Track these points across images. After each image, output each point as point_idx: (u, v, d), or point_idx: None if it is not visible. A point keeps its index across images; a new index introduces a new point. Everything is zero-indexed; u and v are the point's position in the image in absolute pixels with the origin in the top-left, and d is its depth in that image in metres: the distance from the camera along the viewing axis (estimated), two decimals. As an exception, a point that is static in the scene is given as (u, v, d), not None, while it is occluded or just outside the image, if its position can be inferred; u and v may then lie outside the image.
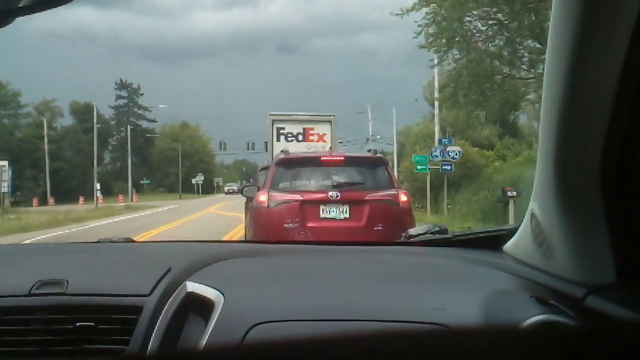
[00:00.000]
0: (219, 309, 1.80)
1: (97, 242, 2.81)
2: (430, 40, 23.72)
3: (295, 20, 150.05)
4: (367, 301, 1.85)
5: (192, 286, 1.96)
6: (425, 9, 23.09)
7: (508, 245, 2.20)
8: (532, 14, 21.65)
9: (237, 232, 20.30)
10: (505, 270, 2.04)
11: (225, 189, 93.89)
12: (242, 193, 12.27)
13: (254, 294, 1.94)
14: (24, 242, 17.23)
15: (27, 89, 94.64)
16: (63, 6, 1.27)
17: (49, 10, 1.28)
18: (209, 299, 1.87)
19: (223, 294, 1.85)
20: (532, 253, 1.91)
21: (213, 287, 1.91)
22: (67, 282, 1.97)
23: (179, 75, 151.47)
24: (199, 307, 1.88)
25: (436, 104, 35.09)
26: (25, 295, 1.92)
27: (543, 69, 1.55)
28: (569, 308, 1.58)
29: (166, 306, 1.89)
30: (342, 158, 10.21)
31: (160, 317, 1.86)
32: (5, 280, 2.07)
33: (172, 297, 1.92)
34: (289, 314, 1.79)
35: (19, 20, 1.27)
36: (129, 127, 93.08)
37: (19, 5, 1.24)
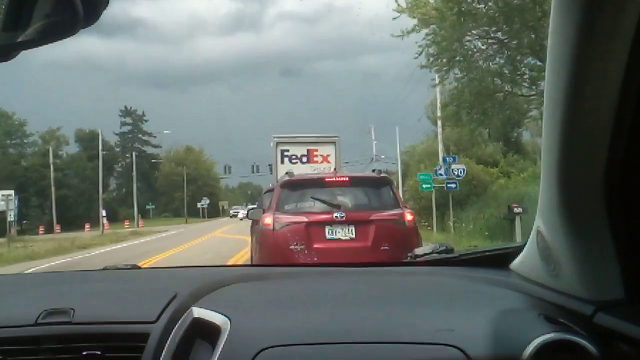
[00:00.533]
0: (226, 334, 1.79)
1: (103, 269, 2.80)
2: (431, 60, 23.82)
3: (297, 43, 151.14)
4: (375, 323, 1.84)
5: (198, 312, 1.96)
6: (425, 30, 23.22)
7: (515, 263, 2.20)
8: (532, 32, 21.73)
9: (243, 255, 20.25)
10: (513, 289, 2.03)
11: (231, 212, 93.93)
12: (247, 216, 12.27)
13: (260, 318, 1.93)
14: (29, 271, 17.24)
15: (33, 118, 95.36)
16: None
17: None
18: (216, 324, 1.86)
19: (230, 319, 1.85)
20: (540, 270, 1.91)
21: (219, 313, 1.90)
22: (74, 310, 1.96)
23: (183, 100, 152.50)
24: (206, 332, 1.87)
25: (439, 122, 35.20)
26: (32, 325, 1.92)
27: (544, 86, 1.56)
28: (578, 326, 1.57)
29: (173, 332, 1.88)
30: (347, 179, 10.20)
31: (167, 344, 1.85)
32: (12, 309, 2.07)
33: (178, 323, 1.91)
34: (297, 338, 1.78)
35: (25, 51, 1.29)
36: (134, 153, 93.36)
37: (24, 39, 1.25)
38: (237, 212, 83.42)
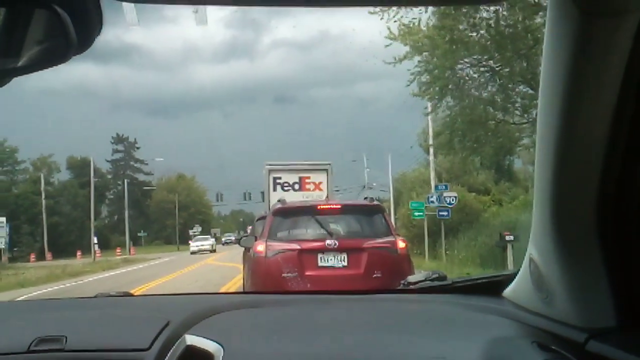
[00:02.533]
0: None
1: (95, 296, 2.79)
2: (423, 88, 23.92)
3: (292, 71, 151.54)
4: (368, 351, 1.83)
5: (191, 339, 1.94)
6: (417, 58, 23.35)
7: (508, 291, 2.19)
8: (524, 61, 21.88)
9: (235, 283, 20.15)
10: (505, 316, 2.03)
11: (223, 239, 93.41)
12: (239, 243, 12.24)
13: (254, 346, 1.92)
14: (21, 298, 17.12)
15: (24, 145, 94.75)
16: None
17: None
18: (209, 352, 1.84)
19: (223, 347, 1.83)
20: (532, 298, 1.90)
21: (212, 340, 1.89)
22: (66, 338, 1.95)
23: (175, 127, 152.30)
24: None
25: (431, 150, 35.30)
26: (24, 353, 1.91)
27: (536, 114, 1.56)
28: (571, 353, 1.57)
29: None
30: (339, 206, 10.23)
31: None
32: (4, 337, 2.05)
33: (171, 351, 1.90)
34: None
35: (17, 78, 1.29)
36: (125, 180, 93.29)
37: (16, 66, 1.25)
38: (230, 239, 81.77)
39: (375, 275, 9.04)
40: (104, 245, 72.90)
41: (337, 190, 38.21)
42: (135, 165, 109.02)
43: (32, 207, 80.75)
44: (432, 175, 36.11)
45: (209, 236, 73.33)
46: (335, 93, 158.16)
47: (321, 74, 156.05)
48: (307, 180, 21.51)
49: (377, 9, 21.48)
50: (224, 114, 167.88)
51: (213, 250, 62.15)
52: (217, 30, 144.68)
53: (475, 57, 23.47)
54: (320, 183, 21.44)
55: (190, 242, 70.86)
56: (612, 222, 1.52)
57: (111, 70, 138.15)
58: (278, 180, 21.64)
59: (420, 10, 21.42)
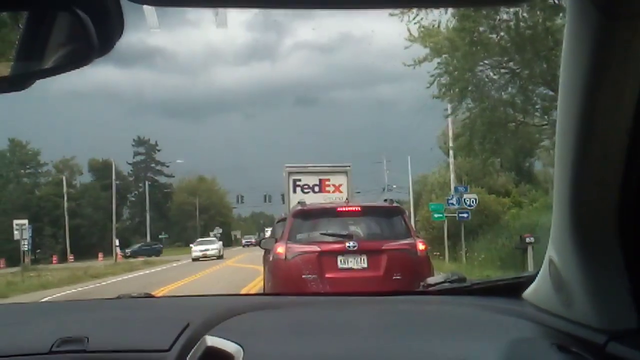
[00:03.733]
0: None
1: (117, 297, 2.81)
2: (443, 90, 23.87)
3: (313, 73, 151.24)
4: (387, 353, 1.83)
5: (211, 340, 1.95)
6: (437, 60, 23.30)
7: (528, 293, 2.18)
8: (544, 62, 21.76)
9: (255, 284, 20.20)
10: (525, 318, 2.02)
11: (243, 241, 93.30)
12: (259, 245, 12.26)
13: (274, 347, 1.92)
14: (43, 300, 17.26)
15: (47, 147, 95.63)
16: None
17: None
18: (229, 353, 1.85)
19: (243, 348, 1.84)
20: (552, 300, 1.89)
21: (233, 341, 1.90)
22: (88, 339, 1.97)
23: (196, 129, 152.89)
24: None
25: (451, 152, 35.20)
26: (46, 353, 1.93)
27: (556, 116, 1.56)
28: (591, 355, 1.56)
29: None
30: (359, 208, 10.21)
31: None
32: (26, 338, 2.08)
33: (191, 352, 1.91)
34: None
35: (41, 80, 1.30)
36: (146, 182, 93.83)
37: (38, 69, 1.26)
38: (250, 241, 78.91)
39: (395, 277, 9.02)
40: (126, 247, 73.25)
41: (358, 192, 38.20)
42: (157, 167, 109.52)
43: (54, 210, 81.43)
44: (452, 177, 36.01)
45: (214, 239, 63.42)
46: (356, 95, 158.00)
47: (342, 75, 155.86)
48: (327, 183, 21.48)
49: (397, 11, 21.44)
50: (245, 115, 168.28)
51: (220, 257, 51.93)
52: (239, 33, 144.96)
53: (495, 58, 23.42)
54: (340, 185, 21.41)
55: (191, 245, 59.31)
56: (632, 223, 1.51)
57: (134, 73, 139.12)
58: (298, 183, 21.63)
59: (440, 12, 21.39)
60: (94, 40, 1.21)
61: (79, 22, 1.20)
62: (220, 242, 58.27)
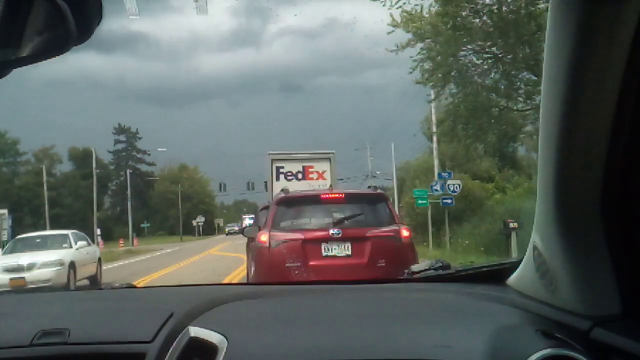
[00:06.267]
0: (223, 353, 1.77)
1: (99, 288, 2.79)
2: (426, 76, 23.87)
3: (297, 59, 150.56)
4: (372, 340, 1.83)
5: (195, 331, 1.94)
6: (420, 45, 23.28)
7: (512, 279, 2.19)
8: (527, 47, 21.83)
9: (239, 273, 20.17)
10: (509, 305, 2.02)
11: (227, 229, 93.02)
12: (243, 233, 12.23)
13: (258, 337, 1.92)
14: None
15: (26, 136, 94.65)
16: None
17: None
18: (213, 343, 1.84)
19: (227, 338, 1.83)
20: (536, 286, 1.90)
21: (216, 331, 1.89)
22: (69, 331, 1.95)
23: (179, 117, 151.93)
24: (203, 352, 1.85)
25: (434, 138, 35.24)
26: (27, 346, 1.91)
27: (539, 101, 1.55)
28: (575, 341, 1.57)
29: (169, 352, 1.87)
30: (343, 195, 10.20)
31: None
32: (7, 330, 2.06)
33: (175, 343, 1.90)
34: (294, 355, 1.77)
35: (17, 69, 1.28)
36: (128, 171, 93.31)
37: (15, 57, 1.24)
38: (234, 229, 79.02)
39: (379, 264, 9.03)
40: (107, 237, 72.84)
41: (341, 179, 38.21)
42: (138, 155, 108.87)
43: (34, 199, 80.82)
44: (436, 163, 36.04)
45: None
46: (340, 81, 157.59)
47: (326, 62, 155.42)
48: (310, 170, 21.43)
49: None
50: (229, 102, 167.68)
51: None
52: (223, 19, 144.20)
53: (478, 43, 23.44)
54: (323, 172, 21.38)
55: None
56: (615, 209, 1.51)
57: (116, 60, 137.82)
58: (281, 170, 21.57)
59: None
60: (72, 27, 1.18)
61: (56, 8, 1.18)
62: (84, 242, 23.33)
